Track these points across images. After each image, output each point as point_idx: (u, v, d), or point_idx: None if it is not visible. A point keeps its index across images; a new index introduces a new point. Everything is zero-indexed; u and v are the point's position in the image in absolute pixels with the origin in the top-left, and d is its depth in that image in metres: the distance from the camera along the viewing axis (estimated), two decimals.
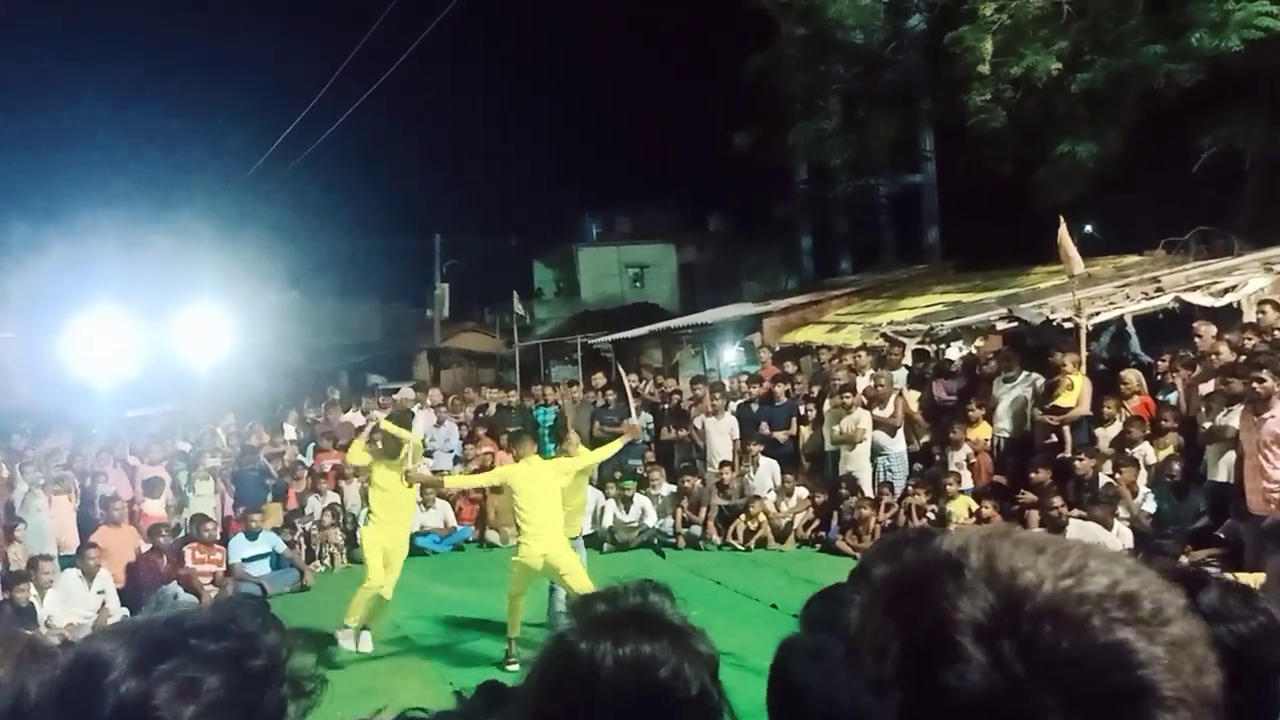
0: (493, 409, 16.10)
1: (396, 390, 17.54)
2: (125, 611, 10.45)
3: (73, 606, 9.80)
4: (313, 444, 14.48)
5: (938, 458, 11.81)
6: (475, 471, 13.90)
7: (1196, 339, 10.05)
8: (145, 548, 11.18)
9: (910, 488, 11.50)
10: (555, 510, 7.78)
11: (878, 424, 11.93)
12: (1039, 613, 0.69)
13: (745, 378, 15.09)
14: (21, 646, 1.47)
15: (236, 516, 12.45)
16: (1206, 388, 9.39)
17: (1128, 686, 0.68)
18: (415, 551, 12.98)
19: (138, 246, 19.78)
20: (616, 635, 1.21)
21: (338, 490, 13.43)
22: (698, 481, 13.03)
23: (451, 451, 14.72)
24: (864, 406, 11.99)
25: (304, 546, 12.32)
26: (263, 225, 27.08)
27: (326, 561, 12.53)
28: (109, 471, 12.21)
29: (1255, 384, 7.71)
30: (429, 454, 14.49)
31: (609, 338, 23.45)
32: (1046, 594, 0.70)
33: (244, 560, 11.71)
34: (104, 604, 10.17)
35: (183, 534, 11.64)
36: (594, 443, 12.35)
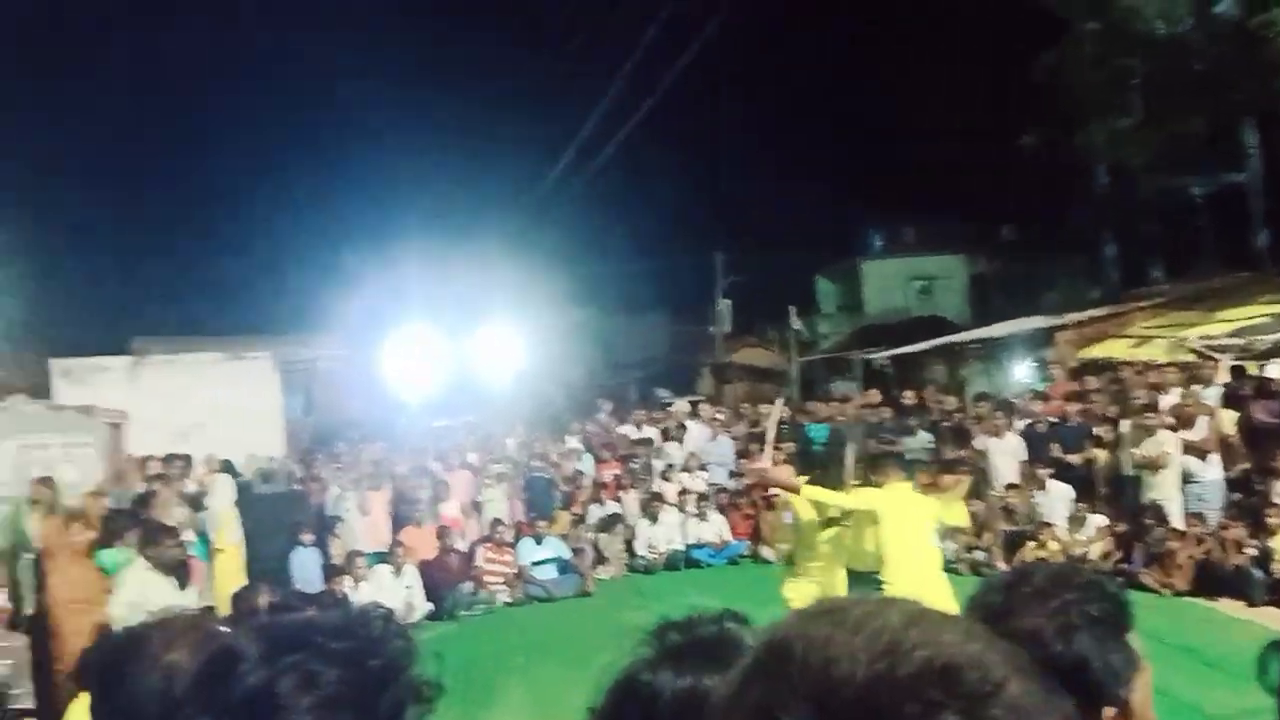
0: (775, 417, 16.05)
1: (671, 404, 17.93)
2: (429, 606, 11.44)
3: (383, 598, 10.79)
4: (592, 455, 15.08)
5: (1258, 487, 10.51)
6: (750, 488, 13.97)
7: None
8: (445, 546, 12.15)
9: (1226, 519, 10.31)
10: (924, 549, 6.73)
11: (1187, 448, 10.79)
12: (852, 711, 0.62)
13: (1032, 396, 14.15)
14: (204, 634, 1.66)
15: (526, 521, 13.20)
16: None
17: None
18: (690, 564, 13.29)
19: (444, 270, 21.55)
20: (679, 665, 1.17)
21: (617, 500, 13.92)
22: (982, 505, 12.36)
23: (725, 466, 14.84)
24: (1170, 428, 10.89)
25: (587, 554, 12.87)
26: (555, 245, 28.62)
27: (609, 569, 13.01)
28: (413, 476, 13.33)
29: None
30: (703, 467, 14.73)
31: (889, 353, 22.81)
32: (858, 683, 0.63)
33: (532, 564, 12.43)
34: (410, 597, 11.17)
35: (480, 536, 12.55)
36: (865, 460, 12.04)
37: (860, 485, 7.17)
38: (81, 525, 7.77)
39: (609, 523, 13.40)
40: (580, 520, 13.48)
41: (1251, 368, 12.30)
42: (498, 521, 12.60)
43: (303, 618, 1.15)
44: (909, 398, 15.18)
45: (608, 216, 31.70)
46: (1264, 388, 11.14)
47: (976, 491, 12.57)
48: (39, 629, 7.55)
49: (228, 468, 11.97)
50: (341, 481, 12.55)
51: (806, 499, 6.94)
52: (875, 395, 15.30)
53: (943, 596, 6.55)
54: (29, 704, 6.96)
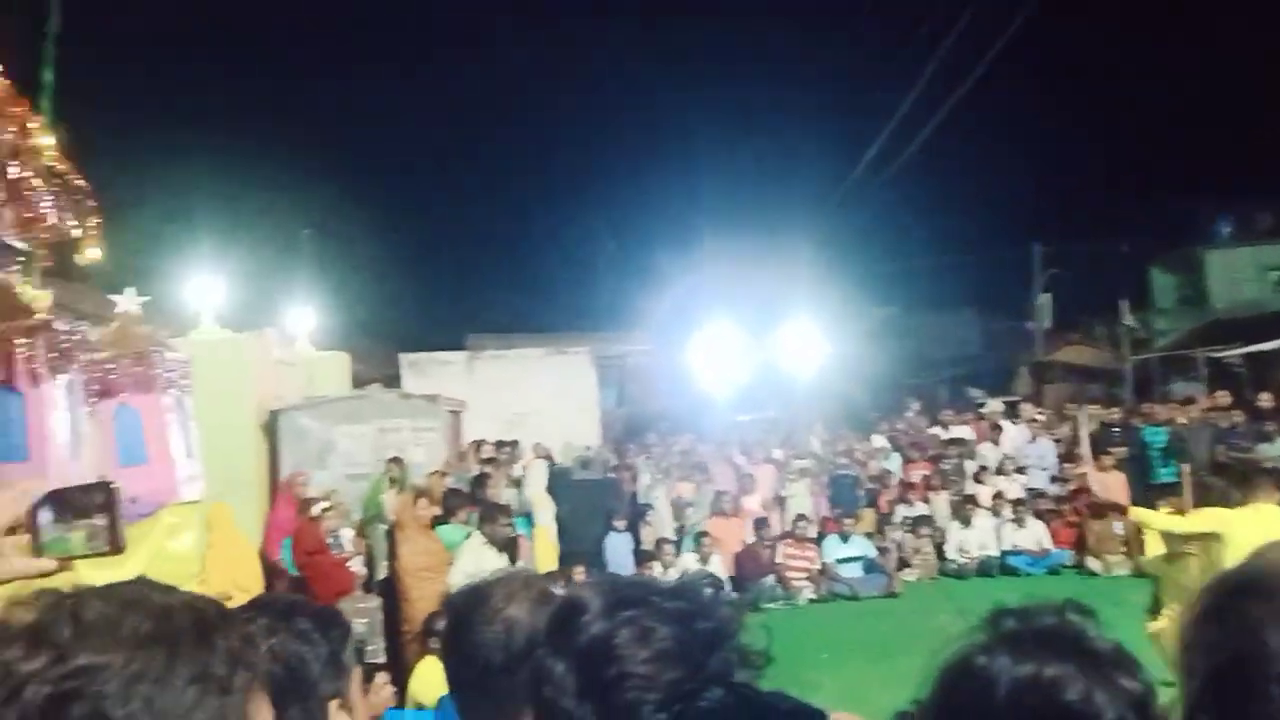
0: (1094, 425, 14.89)
1: (984, 404, 17.07)
2: (734, 596, 11.62)
3: None
4: (899, 454, 14.67)
5: None
6: (1073, 494, 13.04)
7: None
8: (749, 539, 12.29)
9: None
10: None
11: None
12: None
13: None
14: (535, 591, 1.81)
15: (832, 517, 13.07)
16: None
17: None
18: (1006, 571, 12.61)
19: (748, 268, 21.80)
20: (1017, 652, 1.14)
21: (926, 501, 13.45)
22: None
23: (1046, 469, 13.91)
24: None
25: (893, 554, 12.54)
26: (858, 240, 28.08)
27: (916, 571, 12.62)
28: (719, 469, 13.58)
29: None
30: (1020, 470, 13.90)
31: (1243, 350, 20.42)
32: None
33: (836, 561, 12.29)
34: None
35: (782, 530, 12.59)
36: (1214, 469, 10.86)
37: (1204, 499, 6.31)
38: (427, 501, 8.56)
39: (917, 524, 12.98)
40: (887, 519, 13.16)
41: None
42: (801, 517, 12.56)
43: (640, 579, 1.25)
44: (1266, 400, 13.51)
45: (914, 210, 30.66)
46: None
47: None
48: (390, 593, 8.41)
49: (546, 455, 12.78)
50: (652, 471, 13.02)
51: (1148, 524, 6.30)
52: (1225, 397, 13.75)
53: None
54: (382, 659, 7.75)
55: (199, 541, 5.99)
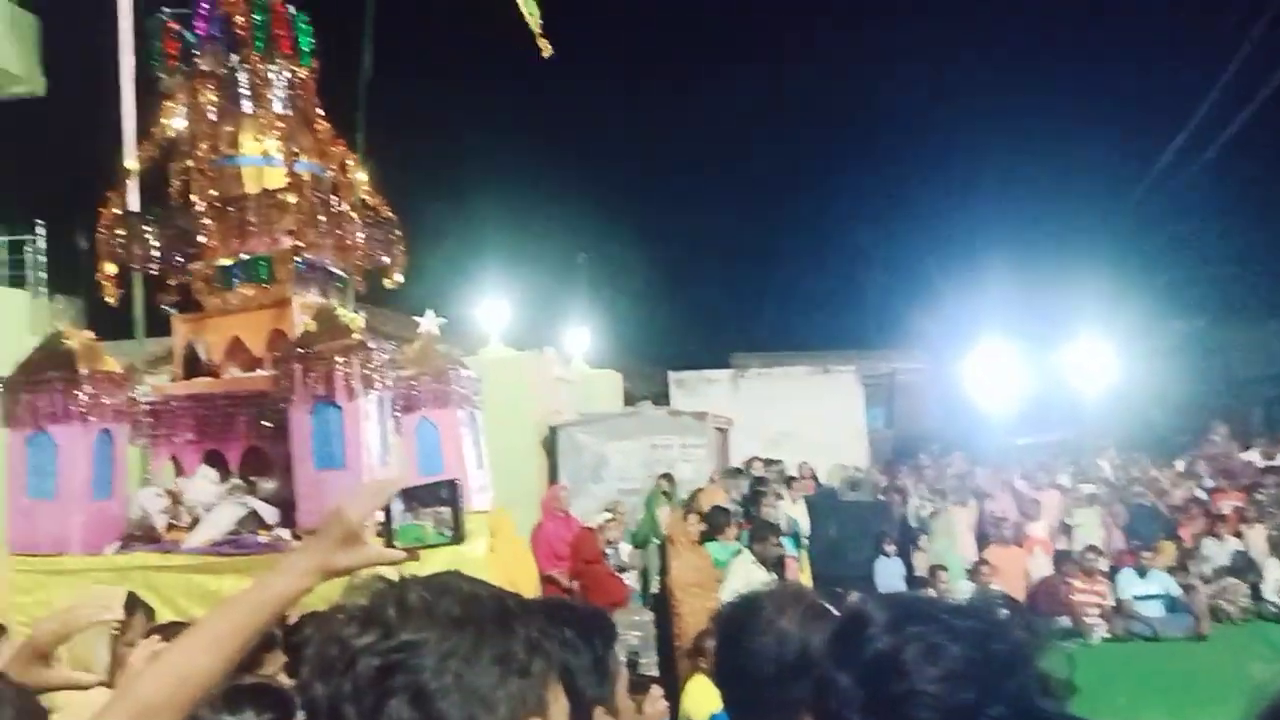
0: None
1: None
2: (1033, 619, 10.93)
3: None
4: (1209, 481, 13.34)
5: None
6: None
7: None
8: (1038, 569, 11.53)
9: None
10: None
11: None
12: None
13: None
14: (805, 604, 1.82)
15: (1129, 549, 12.07)
16: None
17: None
18: None
19: (1029, 281, 20.61)
20: None
21: (1238, 535, 12.13)
22: None
23: None
24: None
25: (1200, 592, 11.38)
26: (1156, 246, 25.86)
27: (1226, 614, 11.39)
28: (998, 493, 12.87)
29: None
30: None
31: None
32: None
33: (1134, 598, 11.31)
34: None
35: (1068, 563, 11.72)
36: None
37: None
38: (696, 518, 8.67)
39: (1231, 560, 11.71)
40: (1191, 554, 11.97)
41: None
42: (1091, 548, 11.65)
43: (927, 596, 1.21)
44: None
45: (1220, 211, 27.78)
46: None
47: None
48: (662, 608, 8.57)
49: (811, 474, 12.61)
50: (925, 494, 12.54)
51: None
52: None
53: None
54: (654, 672, 7.90)
55: (487, 548, 6.35)
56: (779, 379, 16.67)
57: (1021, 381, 18.26)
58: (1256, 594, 11.62)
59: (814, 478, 12.92)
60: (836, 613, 1.70)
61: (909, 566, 11.60)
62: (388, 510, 1.42)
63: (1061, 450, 15.41)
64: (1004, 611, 1.24)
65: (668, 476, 10.60)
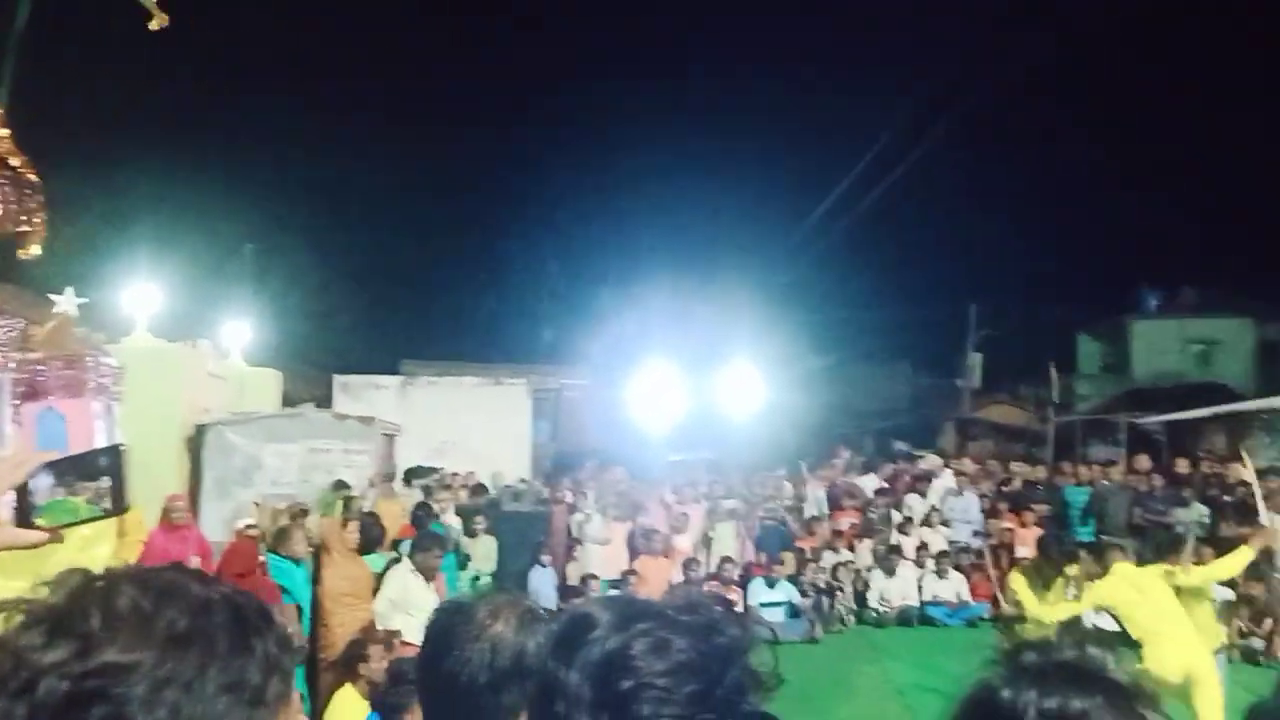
0: (1017, 483, 15.24)
1: (919, 457, 17.38)
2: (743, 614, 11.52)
3: None
4: (827, 501, 14.84)
5: None
6: (995, 548, 13.28)
7: None
8: (676, 579, 12.26)
9: None
10: (1180, 613, 6.53)
11: None
12: None
13: None
14: (521, 610, 1.78)
15: (758, 562, 13.12)
16: None
17: None
18: (924, 621, 12.78)
19: (689, 309, 21.98)
20: (1043, 686, 1.14)
21: (851, 549, 13.61)
22: (1263, 588, 11.17)
23: (970, 524, 14.16)
24: None
25: (817, 601, 12.62)
26: (802, 290, 28.49)
27: (839, 618, 12.70)
28: (651, 507, 13.57)
29: None
30: (945, 523, 14.15)
31: (1162, 418, 21.10)
32: None
33: (760, 605, 12.32)
34: None
35: (707, 572, 12.59)
36: (1130, 530, 11.19)
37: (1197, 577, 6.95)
38: (355, 526, 8.41)
39: (842, 571, 13.10)
40: (811, 565, 13.26)
41: None
42: (727, 559, 12.59)
43: (643, 598, 1.25)
44: (1183, 467, 13.98)
45: (856, 264, 31.29)
46: None
47: (1258, 574, 11.40)
48: (312, 618, 8.21)
49: (475, 485, 12.66)
50: (586, 507, 12.96)
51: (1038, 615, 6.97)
52: (1144, 461, 14.18)
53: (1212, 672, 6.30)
54: (300, 687, 7.56)
55: (112, 555, 5.82)
56: (449, 389, 16.59)
57: (677, 402, 19.37)
58: (862, 601, 13.10)
59: (477, 487, 12.99)
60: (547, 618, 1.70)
61: (562, 576, 11.94)
62: (26, 486, 1.31)
63: (709, 467, 16.48)
64: (719, 609, 1.25)
65: (341, 483, 10.19)
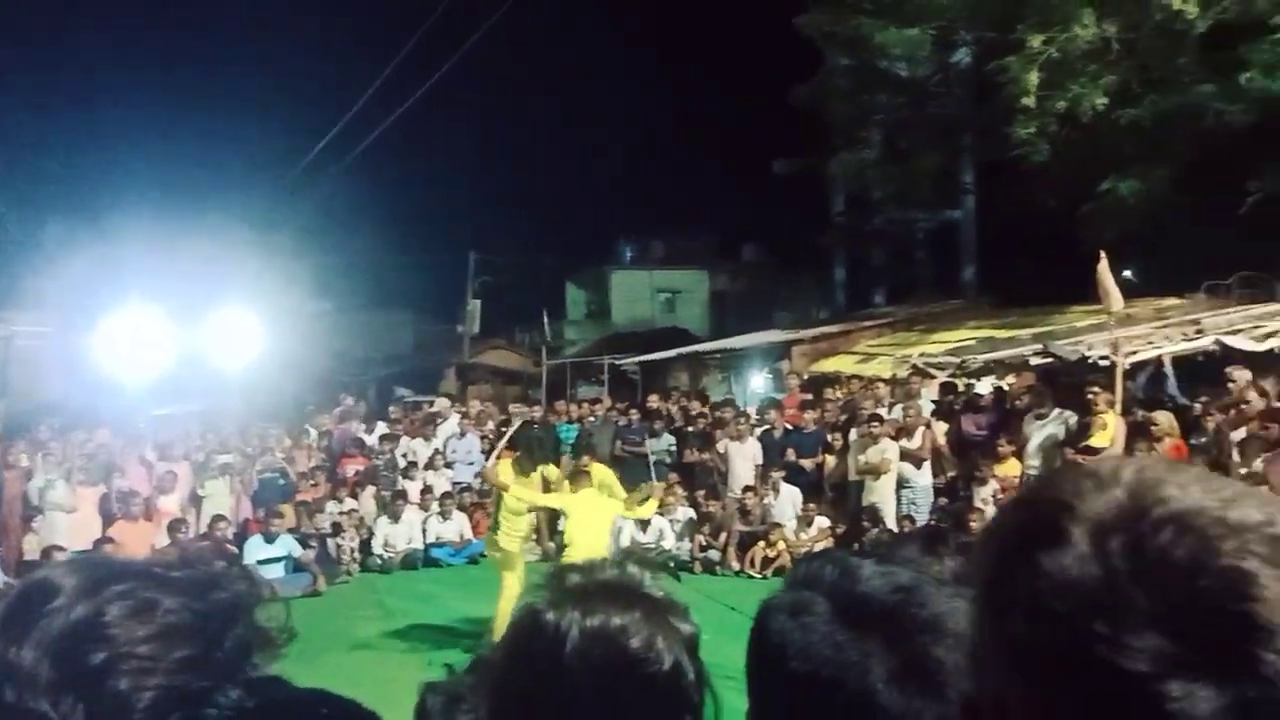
0: (516, 423, 15.99)
1: (422, 403, 17.54)
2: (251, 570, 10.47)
3: None
4: (324, 450, 14.48)
5: (963, 493, 11.56)
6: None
7: (1229, 383, 9.75)
8: (163, 543, 11.18)
9: (934, 522, 11.25)
10: (601, 542, 8.19)
11: (904, 455, 11.71)
12: (1165, 519, 0.63)
13: (769, 404, 14.92)
14: None
15: (255, 518, 12.42)
16: (1239, 434, 9.10)
17: (1235, 615, 0.59)
18: (429, 563, 12.98)
19: (171, 246, 19.98)
20: (585, 605, 1.19)
21: (354, 497, 13.40)
22: (719, 506, 12.87)
23: (472, 464, 14.61)
24: (891, 437, 11.77)
25: (319, 552, 12.27)
26: (299, 233, 27.23)
27: (343, 568, 12.46)
28: (129, 467, 12.23)
29: None
30: (449, 465, 14.46)
31: (636, 359, 23.38)
32: (1183, 506, 0.63)
33: (258, 562, 11.67)
34: None
35: (198, 533, 11.66)
36: (614, 461, 12.25)
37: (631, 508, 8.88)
38: None
39: (345, 520, 12.85)
40: (318, 510, 12.86)
41: (960, 384, 13.54)
42: (219, 517, 11.75)
43: (124, 559, 1.05)
44: (654, 402, 15.61)
45: (358, 208, 30.54)
46: (972, 403, 12.28)
47: (716, 494, 13.11)
48: None
49: None
50: (48, 471, 11.30)
51: (514, 494, 8.58)
52: (622, 400, 15.61)
53: None
54: None
55: None
56: None
57: (161, 351, 17.54)
58: (367, 549, 12.97)
59: None
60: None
61: (21, 552, 10.34)
62: None
63: (200, 421, 15.24)
64: (221, 562, 1.13)
65: None
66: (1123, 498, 0.65)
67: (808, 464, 12.85)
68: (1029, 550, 0.65)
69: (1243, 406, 9.26)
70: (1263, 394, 9.15)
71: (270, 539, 11.90)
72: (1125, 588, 0.61)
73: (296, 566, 11.88)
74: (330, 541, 12.60)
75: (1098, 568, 0.62)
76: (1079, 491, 0.66)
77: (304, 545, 12.08)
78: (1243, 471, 8.64)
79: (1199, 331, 11.85)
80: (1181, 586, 0.60)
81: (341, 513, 12.95)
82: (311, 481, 13.53)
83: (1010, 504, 0.74)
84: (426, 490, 13.66)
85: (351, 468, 14.00)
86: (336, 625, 9.84)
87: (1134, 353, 11.24)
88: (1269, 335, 11.27)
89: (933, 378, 13.64)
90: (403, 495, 13.42)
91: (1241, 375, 9.69)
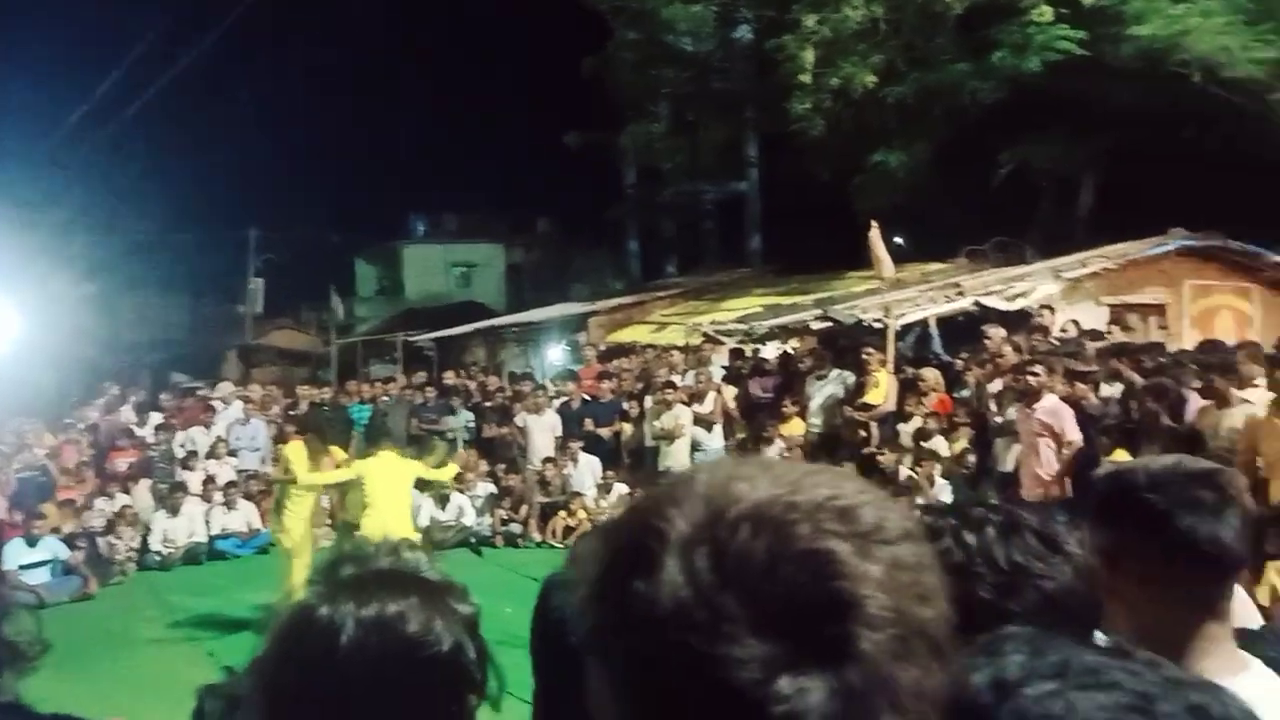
0: (304, 406, 15.38)
1: (199, 388, 16.61)
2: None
3: None
4: (97, 443, 13.49)
5: (752, 453, 12.03)
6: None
7: (986, 340, 10.57)
8: None
9: None
10: (404, 507, 8.22)
11: (697, 420, 12.05)
12: (740, 519, 0.62)
13: (566, 376, 15.02)
14: None
15: (11, 522, 11.42)
16: (995, 386, 9.89)
17: (825, 597, 0.60)
18: (215, 555, 12.35)
19: None
20: (360, 596, 1.17)
21: (127, 492, 12.55)
22: (519, 479, 12.87)
23: (258, 450, 13.96)
24: (684, 403, 12.09)
25: (89, 553, 11.42)
26: (58, 208, 25.07)
27: (118, 568, 11.65)
28: None
29: (1029, 378, 8.16)
30: (233, 453, 13.76)
31: (431, 335, 22.96)
32: (752, 501, 0.63)
33: (20, 568, 10.74)
34: None
35: None
36: (410, 440, 12.01)
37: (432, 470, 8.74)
38: None
39: (118, 518, 12.02)
40: (82, 515, 11.95)
41: (748, 350, 14.07)
42: None
43: None
44: (451, 378, 15.40)
45: (123, 182, 28.33)
46: (759, 367, 12.77)
47: (516, 468, 13.10)
48: None
49: None
50: None
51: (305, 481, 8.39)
52: (419, 376, 15.31)
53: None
54: None
55: None
56: None
57: None
58: (145, 546, 12.17)
59: None
60: None
61: None
62: None
63: None
64: None
65: None
66: (700, 507, 0.64)
67: (605, 433, 13.04)
68: (623, 586, 0.63)
69: (998, 360, 10.05)
70: (1016, 349, 9.95)
71: (32, 542, 10.99)
72: (716, 600, 0.60)
73: (66, 570, 11.03)
74: (102, 540, 11.75)
75: (688, 587, 0.61)
76: (661, 512, 0.65)
77: (71, 546, 11.22)
78: (999, 420, 9.42)
79: (960, 293, 12.76)
80: (767, 583, 0.60)
81: (115, 510, 12.11)
82: (78, 478, 12.55)
83: (601, 535, 0.74)
84: (209, 480, 12.95)
85: (123, 461, 13.09)
86: (113, 628, 9.28)
87: (903, 315, 11.99)
88: (1019, 295, 12.28)
89: (723, 344, 14.09)
90: (182, 487, 12.68)
91: (996, 333, 10.51)
